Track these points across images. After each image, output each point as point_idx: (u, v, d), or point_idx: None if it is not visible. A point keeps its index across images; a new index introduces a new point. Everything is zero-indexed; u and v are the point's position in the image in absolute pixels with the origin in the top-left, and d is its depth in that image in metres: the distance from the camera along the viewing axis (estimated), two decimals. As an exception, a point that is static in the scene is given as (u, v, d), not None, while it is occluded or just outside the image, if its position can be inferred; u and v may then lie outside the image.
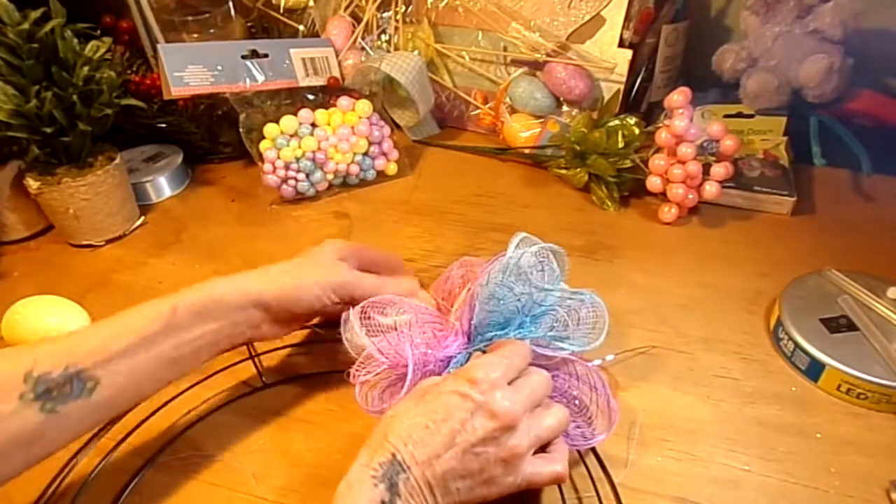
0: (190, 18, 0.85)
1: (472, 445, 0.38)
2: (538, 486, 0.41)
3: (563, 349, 0.47)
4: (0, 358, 0.39)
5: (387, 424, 0.39)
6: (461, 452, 0.37)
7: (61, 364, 0.39)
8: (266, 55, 0.82)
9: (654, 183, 0.73)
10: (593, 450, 0.47)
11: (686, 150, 0.69)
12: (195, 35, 0.86)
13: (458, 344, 0.47)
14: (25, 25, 0.61)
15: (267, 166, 0.76)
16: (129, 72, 0.83)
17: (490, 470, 0.38)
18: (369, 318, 0.47)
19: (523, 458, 0.39)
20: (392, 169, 0.83)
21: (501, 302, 0.45)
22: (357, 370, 0.46)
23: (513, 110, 0.88)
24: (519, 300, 0.46)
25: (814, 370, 0.52)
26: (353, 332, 0.46)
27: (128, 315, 0.44)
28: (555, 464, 0.41)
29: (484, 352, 0.46)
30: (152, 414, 0.52)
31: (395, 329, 0.47)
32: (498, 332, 0.47)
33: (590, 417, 0.47)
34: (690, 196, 0.71)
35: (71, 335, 0.42)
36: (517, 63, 0.86)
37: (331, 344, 0.55)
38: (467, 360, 0.46)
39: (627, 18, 0.80)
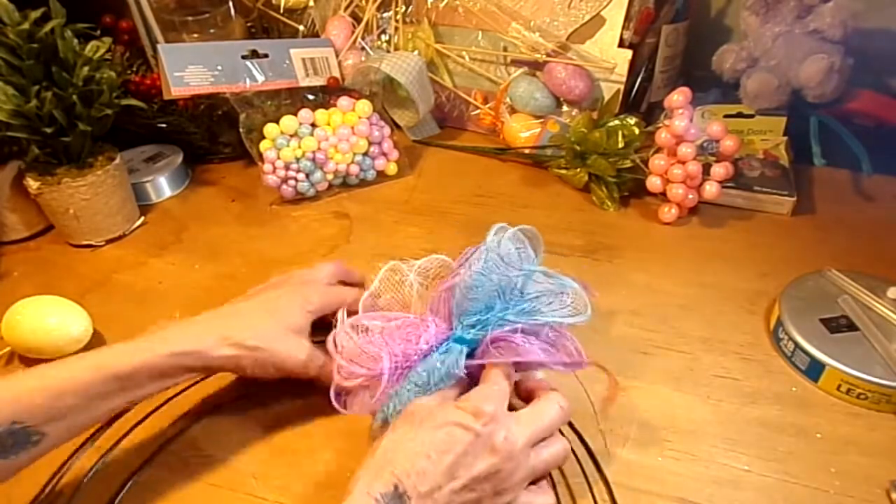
0: (190, 18, 0.85)
1: (472, 480, 0.38)
2: None
3: (543, 322, 0.46)
4: None
5: (387, 450, 0.39)
6: (460, 487, 0.38)
7: (6, 421, 0.39)
8: (266, 55, 0.82)
9: (654, 183, 0.73)
10: (589, 451, 0.47)
11: (686, 150, 0.69)
12: (195, 35, 0.86)
13: (438, 331, 0.47)
14: (25, 25, 0.61)
15: (267, 166, 0.76)
16: (129, 72, 0.83)
17: (484, 501, 0.39)
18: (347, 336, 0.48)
19: (517, 490, 0.41)
20: (392, 169, 0.83)
21: (480, 290, 0.46)
22: (338, 384, 0.46)
23: (513, 110, 0.88)
24: (499, 286, 0.46)
25: (814, 370, 0.52)
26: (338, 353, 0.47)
27: (80, 369, 0.42)
28: (547, 495, 0.43)
29: (468, 341, 0.46)
30: (151, 413, 0.52)
31: (367, 338, 0.47)
32: (480, 317, 0.46)
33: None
34: (690, 196, 0.71)
35: (17, 384, 0.41)
36: (517, 63, 0.86)
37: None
38: (448, 348, 0.46)
39: (627, 18, 0.80)
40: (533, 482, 0.43)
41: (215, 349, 0.47)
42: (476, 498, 0.39)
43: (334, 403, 0.45)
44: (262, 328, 0.49)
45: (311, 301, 0.51)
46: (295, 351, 0.49)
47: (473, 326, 0.46)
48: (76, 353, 0.58)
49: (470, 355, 0.46)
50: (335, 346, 0.47)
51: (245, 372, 0.49)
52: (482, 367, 0.45)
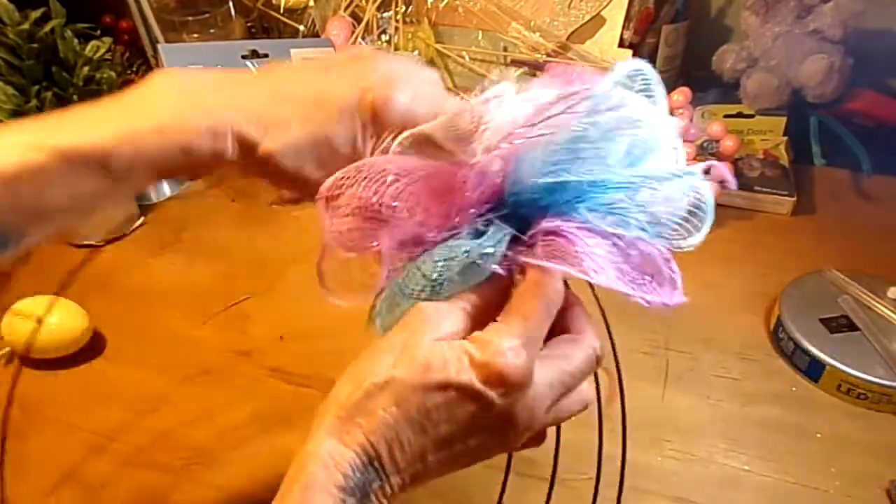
0: (190, 18, 0.85)
1: (473, 448, 0.29)
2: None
3: (633, 233, 0.30)
4: None
5: (370, 398, 0.28)
6: (456, 455, 0.29)
7: None
8: (266, 55, 0.82)
9: (654, 183, 0.73)
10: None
11: (686, 150, 0.69)
12: (195, 35, 0.86)
13: (476, 204, 0.30)
14: (25, 25, 0.61)
15: (267, 166, 0.76)
16: (129, 72, 0.83)
17: (485, 454, 0.30)
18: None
19: (517, 444, 0.31)
20: (392, 169, 0.83)
21: (562, 171, 0.28)
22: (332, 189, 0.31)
23: (513, 110, 0.87)
24: (585, 174, 0.28)
25: (814, 370, 0.52)
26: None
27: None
28: (581, 394, 0.31)
29: (520, 216, 0.30)
30: (150, 412, 0.52)
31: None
32: (545, 195, 0.29)
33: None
34: (690, 196, 0.71)
35: None
36: (517, 63, 0.86)
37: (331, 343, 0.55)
38: (488, 226, 0.30)
39: (627, 18, 0.80)
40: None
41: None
42: (470, 459, 0.30)
43: (322, 289, 0.33)
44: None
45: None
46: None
47: (531, 207, 0.29)
48: (76, 353, 0.58)
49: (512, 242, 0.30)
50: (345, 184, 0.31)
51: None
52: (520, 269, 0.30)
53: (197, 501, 0.46)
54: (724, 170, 0.31)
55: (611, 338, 0.40)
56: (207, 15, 0.86)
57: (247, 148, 0.32)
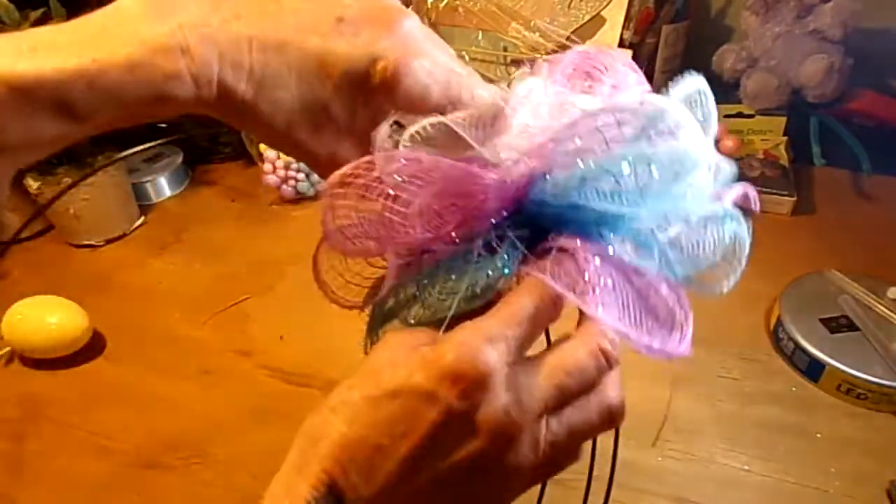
0: (190, 18, 0.85)
1: (448, 474, 0.25)
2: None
3: (656, 267, 0.27)
4: None
5: (319, 425, 0.26)
6: (431, 484, 0.25)
7: None
8: (266, 55, 0.82)
9: (654, 183, 0.73)
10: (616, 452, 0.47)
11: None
12: (195, 35, 0.86)
13: (494, 214, 0.27)
14: (26, 25, 0.61)
15: (267, 166, 0.76)
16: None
17: (477, 499, 0.26)
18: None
19: (528, 474, 0.26)
20: (392, 169, 0.83)
21: (622, 172, 0.24)
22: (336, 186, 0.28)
23: (513, 110, 0.87)
24: (646, 182, 0.25)
25: (814, 370, 0.52)
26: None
27: None
28: (599, 397, 0.27)
29: (537, 225, 0.27)
30: (150, 412, 0.52)
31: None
32: (567, 211, 0.26)
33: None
34: (690, 196, 0.71)
35: None
36: (517, 63, 0.86)
37: (330, 342, 0.55)
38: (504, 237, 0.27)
39: (627, 18, 0.79)
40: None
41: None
42: (457, 493, 0.25)
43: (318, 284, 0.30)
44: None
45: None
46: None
47: (552, 221, 0.27)
48: (76, 353, 0.58)
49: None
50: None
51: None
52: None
53: (197, 501, 0.46)
54: (752, 193, 0.29)
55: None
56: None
57: (233, 100, 0.28)
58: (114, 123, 0.28)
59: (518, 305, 0.25)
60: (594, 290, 0.25)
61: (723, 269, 0.27)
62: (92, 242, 0.73)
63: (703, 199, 0.27)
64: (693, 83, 0.28)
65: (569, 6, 0.82)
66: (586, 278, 0.25)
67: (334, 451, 0.25)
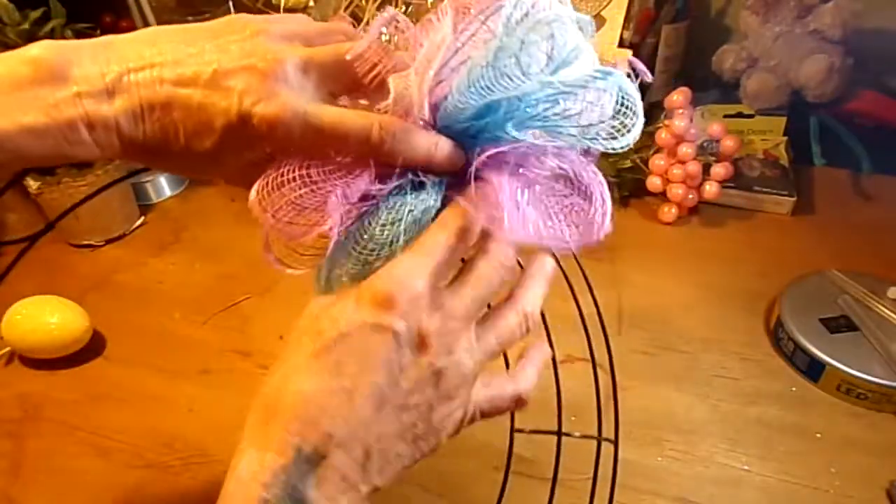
0: (189, 18, 0.85)
1: (407, 395, 0.27)
2: (494, 415, 0.31)
3: (564, 142, 0.29)
4: None
5: (278, 393, 0.27)
6: (396, 410, 0.26)
7: None
8: (266, 55, 0.82)
9: (654, 183, 0.73)
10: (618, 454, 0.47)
11: (686, 150, 0.69)
12: (195, 35, 0.86)
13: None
14: (25, 25, 0.61)
15: (267, 166, 0.76)
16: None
17: (432, 417, 0.28)
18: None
19: (469, 385, 0.29)
20: (392, 169, 0.83)
21: (487, 90, 0.27)
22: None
23: (513, 110, 0.87)
24: (513, 90, 0.27)
25: (814, 370, 0.52)
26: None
27: None
28: (513, 382, 0.31)
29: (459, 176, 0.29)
30: (150, 412, 0.52)
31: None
32: (474, 122, 0.28)
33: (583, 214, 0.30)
34: (690, 196, 0.71)
35: None
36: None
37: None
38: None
39: (627, 18, 0.79)
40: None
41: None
42: (420, 416, 0.27)
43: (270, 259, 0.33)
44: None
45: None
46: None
47: (463, 133, 0.29)
48: (76, 353, 0.58)
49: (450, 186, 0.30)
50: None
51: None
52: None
53: (197, 501, 0.46)
54: (638, 63, 0.30)
55: (606, 339, 0.40)
56: (207, 15, 0.86)
57: (137, 156, 0.30)
58: (23, 168, 0.28)
59: (435, 237, 0.28)
60: (511, 210, 0.27)
61: (620, 124, 0.29)
62: (92, 242, 0.73)
63: (583, 63, 0.29)
64: (543, 17, 0.28)
65: (569, 6, 0.82)
66: (501, 199, 0.27)
67: (297, 411, 0.26)
